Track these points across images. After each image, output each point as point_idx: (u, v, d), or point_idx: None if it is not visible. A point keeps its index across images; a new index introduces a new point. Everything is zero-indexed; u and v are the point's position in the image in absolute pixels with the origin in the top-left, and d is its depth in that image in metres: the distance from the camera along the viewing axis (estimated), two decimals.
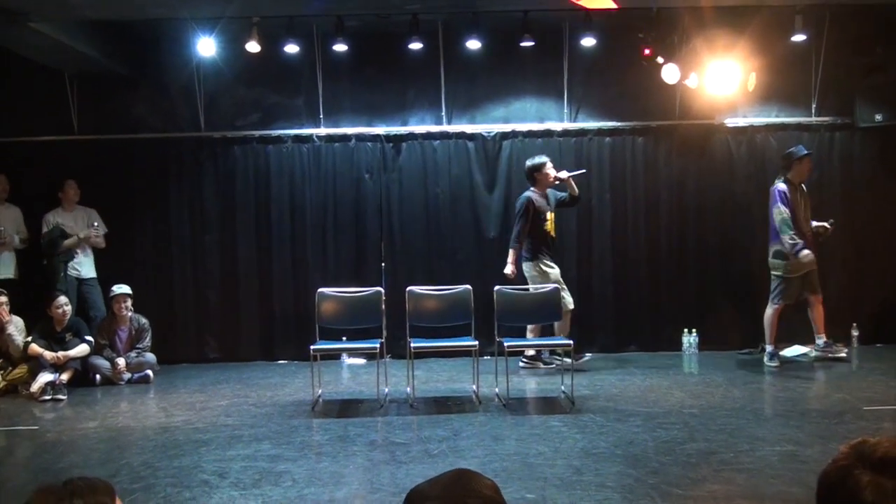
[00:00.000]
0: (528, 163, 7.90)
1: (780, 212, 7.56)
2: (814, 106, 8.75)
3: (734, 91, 7.98)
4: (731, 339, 8.61)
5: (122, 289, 7.85)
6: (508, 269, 7.62)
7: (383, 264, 8.74)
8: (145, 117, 8.76)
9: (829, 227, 7.83)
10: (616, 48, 8.35)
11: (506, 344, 6.63)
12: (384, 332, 7.05)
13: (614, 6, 6.95)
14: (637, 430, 5.57)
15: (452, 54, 8.55)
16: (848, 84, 8.58)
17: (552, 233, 7.83)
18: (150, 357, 7.85)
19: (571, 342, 6.84)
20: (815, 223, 7.87)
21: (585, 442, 5.33)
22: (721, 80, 7.81)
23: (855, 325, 8.45)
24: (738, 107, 8.70)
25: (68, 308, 7.66)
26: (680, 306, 8.69)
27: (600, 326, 8.62)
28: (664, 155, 8.82)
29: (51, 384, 7.11)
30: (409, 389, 6.81)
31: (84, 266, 8.24)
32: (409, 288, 7.15)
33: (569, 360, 7.66)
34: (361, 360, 8.45)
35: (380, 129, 8.78)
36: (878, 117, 8.45)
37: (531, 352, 7.87)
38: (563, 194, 7.94)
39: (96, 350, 7.68)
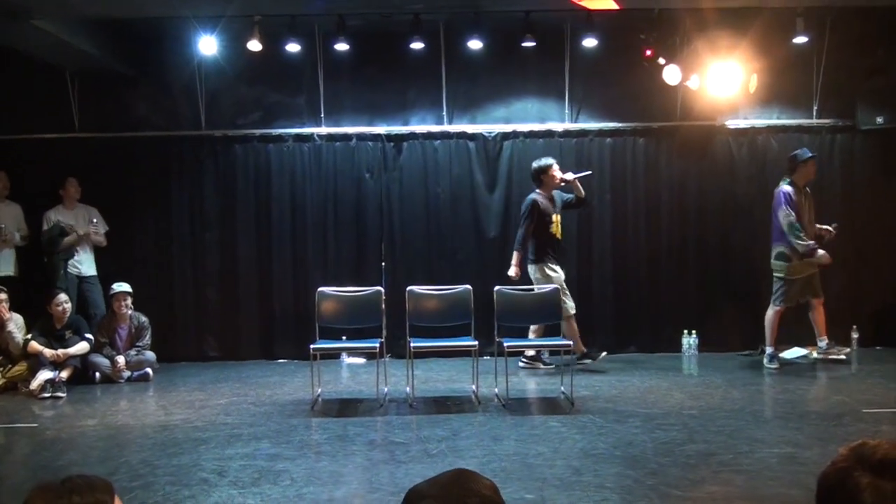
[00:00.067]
0: (535, 164, 7.89)
1: (786, 215, 7.56)
2: (815, 108, 8.75)
3: (735, 92, 7.99)
4: (731, 340, 8.61)
5: (122, 287, 7.85)
6: (512, 271, 7.62)
7: (383, 264, 8.74)
8: (146, 115, 8.76)
9: (832, 230, 7.82)
10: (617, 49, 8.35)
11: (505, 344, 6.63)
12: (384, 332, 7.05)
13: (616, 7, 6.95)
14: (636, 431, 5.57)
15: (454, 54, 8.55)
16: (849, 86, 8.58)
17: (558, 235, 7.82)
18: (150, 355, 7.85)
19: (571, 343, 6.83)
20: (817, 227, 7.87)
21: (584, 443, 5.33)
22: (722, 82, 7.81)
23: (855, 327, 8.45)
24: (739, 108, 8.71)
25: (68, 306, 7.66)
26: (680, 307, 8.69)
27: (600, 327, 8.61)
28: (665, 156, 8.82)
29: (50, 382, 7.11)
30: (408, 389, 6.81)
31: (84, 264, 8.25)
32: (409, 287, 7.15)
33: (590, 362, 7.71)
34: (361, 360, 8.45)
35: (381, 129, 8.78)
36: (880, 120, 8.45)
37: (531, 352, 7.88)
38: (570, 196, 7.93)
39: (96, 348, 7.68)
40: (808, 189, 7.82)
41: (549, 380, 7.47)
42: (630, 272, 8.77)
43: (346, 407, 6.61)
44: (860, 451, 1.37)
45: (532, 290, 7.36)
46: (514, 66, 8.70)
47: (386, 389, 6.92)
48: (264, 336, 8.80)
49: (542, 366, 7.92)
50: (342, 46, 8.03)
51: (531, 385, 7.35)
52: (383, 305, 7.00)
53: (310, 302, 7.40)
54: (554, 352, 7.83)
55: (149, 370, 7.78)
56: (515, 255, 7.71)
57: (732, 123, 8.81)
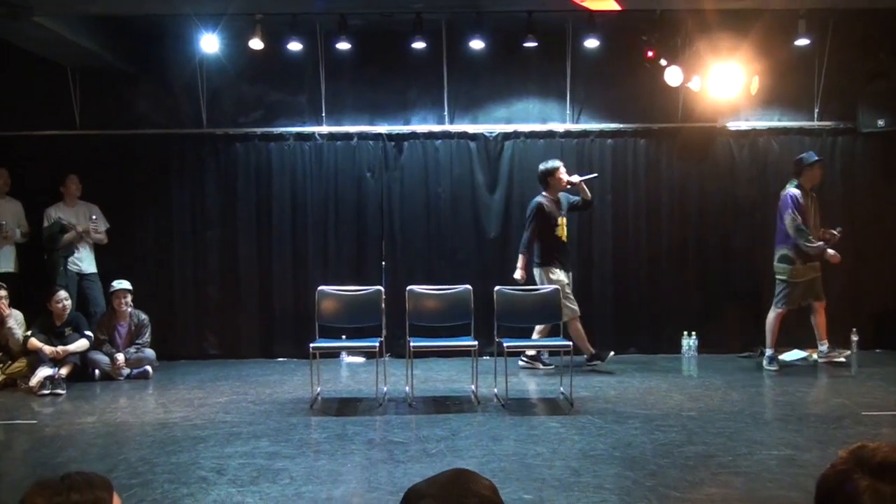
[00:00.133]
0: (542, 167, 7.88)
1: (793, 219, 7.56)
2: (816, 110, 8.75)
3: (737, 94, 7.98)
4: (731, 342, 8.60)
5: (122, 284, 7.86)
6: (518, 273, 7.62)
7: (384, 263, 8.74)
8: (147, 113, 8.76)
9: (836, 234, 7.82)
10: (619, 50, 8.34)
11: (505, 344, 6.63)
12: (384, 331, 7.05)
13: (618, 8, 6.95)
14: (635, 433, 5.57)
15: (455, 54, 8.55)
16: (851, 89, 8.57)
17: (563, 238, 7.81)
18: (150, 353, 7.85)
19: (570, 343, 6.83)
20: (822, 230, 7.86)
21: (584, 443, 5.33)
22: (724, 84, 7.80)
23: (854, 329, 8.44)
24: (740, 110, 8.70)
25: (68, 303, 7.66)
26: (680, 309, 8.69)
27: (600, 328, 8.61)
28: (666, 157, 8.81)
29: (50, 378, 7.11)
30: (407, 389, 6.81)
31: (85, 261, 8.25)
32: (409, 287, 7.15)
33: (600, 363, 7.72)
34: (360, 359, 8.45)
35: (382, 128, 8.78)
36: (881, 123, 8.45)
37: (532, 351, 7.88)
38: (576, 198, 7.93)
39: (96, 345, 7.68)
40: (813, 192, 7.82)
41: (549, 380, 7.47)
42: (630, 273, 8.77)
43: (345, 406, 6.61)
44: (859, 453, 1.37)
45: (532, 290, 7.36)
46: (516, 67, 8.70)
47: (385, 389, 6.92)
48: (264, 334, 8.80)
49: (541, 366, 7.92)
50: (344, 45, 8.03)
51: (531, 385, 7.35)
52: (383, 305, 7.00)
53: (310, 301, 7.40)
54: (554, 352, 7.82)
55: (148, 368, 7.78)
56: (521, 259, 7.71)
57: (733, 125, 8.81)
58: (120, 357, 7.65)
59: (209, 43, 7.97)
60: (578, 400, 6.53)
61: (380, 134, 8.78)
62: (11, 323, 7.57)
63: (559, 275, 7.68)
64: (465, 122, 8.83)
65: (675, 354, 8.55)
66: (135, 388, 7.43)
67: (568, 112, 8.82)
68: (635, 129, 8.79)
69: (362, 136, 8.78)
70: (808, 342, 8.16)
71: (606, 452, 5.12)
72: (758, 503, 4.26)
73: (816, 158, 7.80)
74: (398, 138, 8.78)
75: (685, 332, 8.55)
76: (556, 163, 7.88)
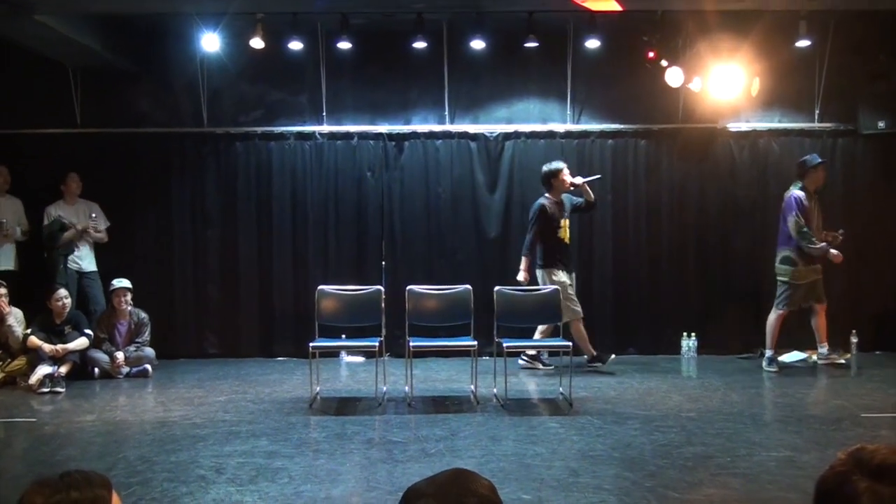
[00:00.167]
0: (545, 168, 7.87)
1: (796, 221, 7.56)
2: (817, 112, 8.75)
3: (737, 95, 7.98)
4: (731, 343, 8.61)
5: (122, 283, 7.86)
6: (521, 276, 7.62)
7: (384, 263, 8.74)
8: (148, 112, 8.76)
9: (839, 236, 7.81)
10: (620, 51, 8.35)
11: (505, 344, 6.63)
12: (383, 331, 7.05)
13: (619, 8, 6.95)
14: (635, 433, 5.57)
15: (456, 54, 8.55)
16: (851, 91, 8.58)
17: (566, 240, 7.79)
18: (149, 351, 7.85)
19: (570, 343, 6.82)
20: (825, 233, 7.86)
21: (583, 444, 5.33)
22: (724, 84, 7.80)
23: (854, 331, 8.44)
24: (741, 111, 8.71)
25: (68, 301, 7.66)
26: (680, 310, 8.69)
27: (600, 328, 8.60)
28: (666, 158, 8.82)
29: (49, 376, 7.11)
30: (407, 388, 6.81)
31: (85, 260, 8.25)
32: (408, 287, 7.15)
33: (600, 364, 7.71)
34: (360, 359, 8.46)
35: (382, 128, 8.79)
36: (881, 124, 8.46)
37: (533, 351, 7.88)
38: (580, 199, 7.92)
39: (95, 343, 7.68)
40: (816, 194, 7.82)
41: (548, 381, 7.47)
42: (630, 274, 8.77)
43: (344, 405, 6.61)
44: (858, 455, 1.37)
45: (532, 290, 7.36)
46: (517, 67, 8.70)
47: (385, 388, 6.92)
48: (264, 333, 8.80)
49: (541, 366, 7.92)
50: (345, 45, 8.03)
51: (530, 386, 7.35)
52: (383, 304, 7.00)
53: (310, 300, 7.39)
54: (553, 353, 7.82)
55: (148, 366, 7.78)
56: (524, 261, 7.71)
57: (734, 126, 8.81)
58: (119, 355, 7.65)
59: (210, 42, 7.97)
60: (578, 400, 6.53)
61: (380, 133, 8.78)
62: (11, 321, 7.57)
63: (562, 276, 7.68)
64: (466, 122, 8.83)
65: (674, 355, 8.56)
66: (134, 386, 7.43)
67: (568, 112, 8.82)
68: (636, 129, 8.79)
69: (363, 136, 8.79)
70: (808, 344, 8.16)
71: (605, 453, 5.12)
72: None
73: (820, 161, 7.81)
74: (399, 138, 8.78)
75: (685, 333, 8.56)
76: (560, 164, 7.87)
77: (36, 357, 7.30)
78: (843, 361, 7.95)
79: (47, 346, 7.34)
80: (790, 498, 4.28)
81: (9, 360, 7.49)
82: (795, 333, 8.12)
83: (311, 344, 6.63)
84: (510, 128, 8.79)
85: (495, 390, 6.83)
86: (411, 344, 6.74)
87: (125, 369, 7.68)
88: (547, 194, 7.83)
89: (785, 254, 7.74)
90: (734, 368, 7.98)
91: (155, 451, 5.22)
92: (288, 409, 6.40)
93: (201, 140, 8.80)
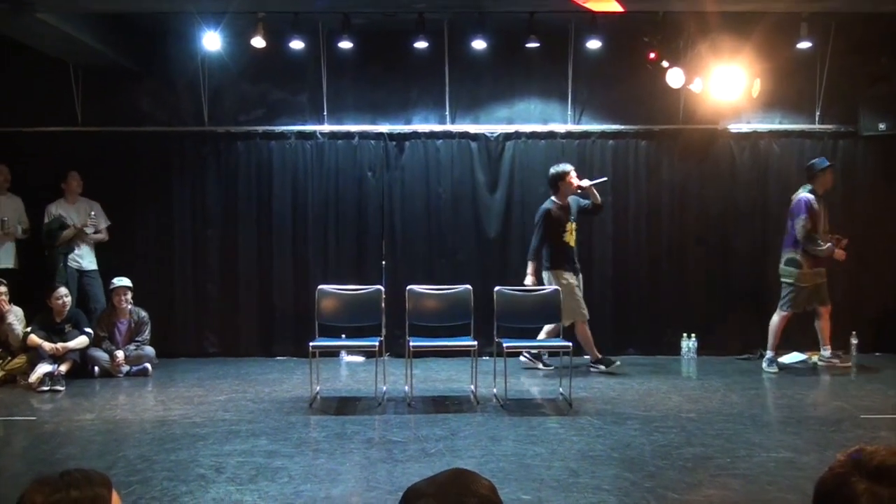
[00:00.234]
0: (552, 170, 7.85)
1: (804, 224, 7.56)
2: (817, 113, 8.75)
3: (738, 96, 7.97)
4: (731, 344, 8.61)
5: (122, 281, 7.86)
6: (529, 280, 7.61)
7: (384, 262, 8.74)
8: (149, 111, 8.76)
9: (843, 240, 7.79)
10: (621, 51, 8.35)
11: (505, 344, 6.63)
12: (383, 331, 7.06)
13: (620, 9, 6.94)
14: (634, 434, 5.57)
15: (457, 54, 8.55)
16: (852, 92, 8.58)
17: (571, 243, 7.76)
18: (149, 350, 7.85)
19: (570, 344, 6.82)
20: (829, 236, 7.85)
21: (582, 444, 5.33)
22: (725, 86, 7.80)
23: (854, 332, 8.45)
24: (741, 112, 8.71)
25: (68, 299, 7.66)
26: (680, 310, 8.69)
27: (600, 329, 8.59)
28: (667, 159, 8.82)
29: (49, 375, 7.12)
30: (407, 388, 6.82)
31: (85, 258, 8.25)
32: (409, 287, 7.15)
33: (603, 367, 7.70)
34: (360, 358, 8.46)
35: (383, 128, 8.79)
36: (882, 126, 8.46)
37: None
38: (587, 202, 7.91)
39: (95, 342, 7.68)
40: (823, 197, 7.82)
41: (548, 381, 7.47)
42: (630, 274, 8.77)
43: (344, 405, 6.61)
44: (857, 456, 1.37)
45: (532, 290, 7.36)
46: (518, 67, 8.70)
47: (384, 388, 6.92)
48: (264, 333, 8.81)
49: (541, 366, 7.92)
50: (346, 44, 8.03)
51: (530, 386, 7.35)
52: (383, 304, 7.00)
53: (310, 299, 7.39)
54: (553, 353, 7.82)
55: (148, 365, 7.78)
56: (531, 265, 7.70)
57: (735, 127, 8.81)
58: (119, 354, 7.65)
59: (211, 41, 7.96)
60: (577, 401, 6.53)
61: (381, 133, 8.78)
62: (11, 319, 7.57)
63: (569, 278, 7.67)
64: (467, 122, 8.83)
65: (674, 356, 8.56)
66: (134, 385, 7.43)
67: (569, 113, 8.82)
68: (636, 130, 8.80)
69: (364, 136, 8.79)
70: (808, 345, 8.16)
71: (605, 453, 5.12)
72: None
73: (828, 164, 7.83)
74: (399, 138, 8.78)
75: (685, 334, 8.56)
76: (567, 167, 7.84)
77: (36, 355, 7.31)
78: (843, 364, 7.94)
79: (47, 345, 7.34)
80: (790, 499, 4.28)
81: (9, 358, 7.49)
82: (795, 335, 8.12)
83: (311, 343, 6.63)
84: (511, 128, 8.79)
85: (495, 390, 6.83)
86: (411, 344, 6.75)
87: (125, 368, 7.68)
88: (553, 197, 7.80)
89: (790, 256, 7.75)
90: (734, 369, 7.98)
91: (155, 450, 5.22)
92: (288, 408, 6.40)
93: (202, 139, 8.80)
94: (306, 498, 4.33)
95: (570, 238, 7.76)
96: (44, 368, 7.16)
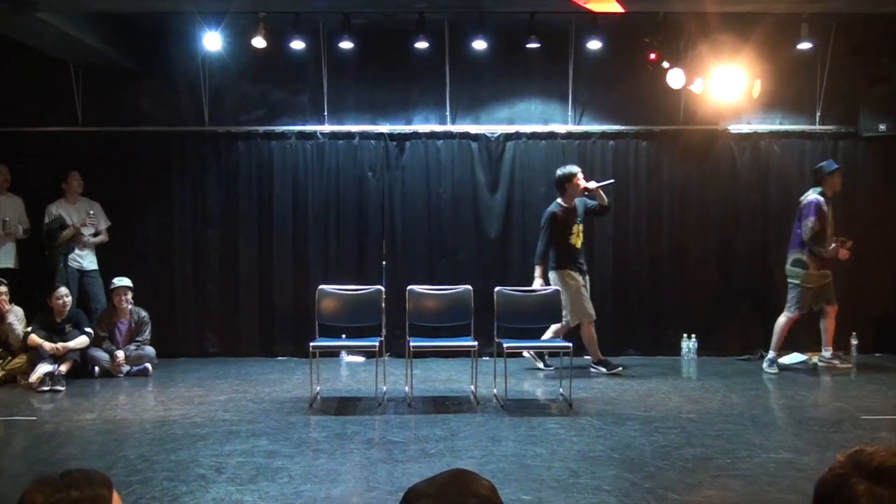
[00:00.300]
0: (559, 172, 7.82)
1: (812, 227, 7.56)
2: (818, 114, 8.75)
3: (739, 97, 7.98)
4: (731, 344, 8.62)
5: (122, 281, 7.86)
6: (537, 283, 7.58)
7: (384, 263, 8.74)
8: (150, 111, 8.76)
9: (848, 242, 7.79)
10: (621, 52, 8.35)
11: (505, 345, 6.63)
12: (384, 331, 7.06)
13: (621, 10, 6.94)
14: (634, 435, 5.57)
15: (458, 54, 8.55)
16: (852, 93, 8.58)
17: (577, 245, 7.73)
18: (150, 350, 7.85)
19: (570, 344, 6.82)
20: (835, 238, 7.84)
21: (582, 445, 5.33)
22: (726, 86, 7.80)
23: (854, 333, 8.45)
24: (742, 113, 8.70)
25: (68, 299, 7.66)
26: (680, 311, 8.69)
27: (600, 329, 8.58)
28: (667, 160, 8.82)
29: (50, 375, 7.12)
30: (407, 388, 6.82)
31: (86, 258, 8.25)
32: (409, 287, 7.15)
33: (604, 370, 7.69)
34: (360, 358, 8.46)
35: (384, 128, 8.79)
36: (882, 127, 8.46)
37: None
38: (594, 203, 7.89)
39: (96, 342, 7.68)
40: (831, 200, 7.82)
41: (548, 381, 7.47)
42: (631, 275, 8.77)
43: (344, 405, 6.61)
44: (857, 457, 1.37)
45: (532, 291, 7.36)
46: (518, 68, 8.70)
47: (385, 388, 6.92)
48: (264, 333, 8.81)
49: (541, 366, 7.92)
50: (346, 45, 8.03)
51: (530, 386, 7.35)
52: (383, 304, 7.00)
53: (310, 299, 7.39)
54: (553, 354, 7.82)
55: (148, 365, 7.78)
56: (538, 269, 7.69)
57: (735, 128, 8.81)
58: (120, 354, 7.65)
59: (212, 41, 7.96)
60: (577, 401, 6.53)
61: (382, 133, 8.78)
62: (11, 319, 7.58)
63: (577, 278, 7.67)
64: (467, 122, 8.83)
65: (674, 357, 8.56)
66: (134, 385, 7.43)
67: (570, 113, 8.82)
68: (637, 131, 8.80)
69: (364, 136, 8.79)
70: (808, 346, 8.16)
71: (605, 454, 5.12)
72: None
73: (836, 167, 7.82)
74: (400, 138, 8.78)
75: (685, 335, 8.56)
76: (574, 168, 7.81)
77: (36, 355, 7.31)
78: (844, 366, 7.94)
79: (48, 345, 7.34)
80: (790, 500, 4.28)
81: (9, 358, 7.50)
82: (795, 335, 8.11)
83: (311, 343, 6.63)
84: (511, 128, 8.79)
85: (495, 391, 6.83)
86: (411, 344, 6.75)
87: (125, 368, 7.68)
88: (559, 199, 7.78)
89: (796, 256, 7.75)
90: (734, 370, 7.98)
91: (155, 450, 5.22)
92: (288, 408, 6.40)
93: (202, 139, 8.80)
94: (306, 498, 4.33)
95: (577, 240, 7.74)
96: (44, 368, 7.16)
